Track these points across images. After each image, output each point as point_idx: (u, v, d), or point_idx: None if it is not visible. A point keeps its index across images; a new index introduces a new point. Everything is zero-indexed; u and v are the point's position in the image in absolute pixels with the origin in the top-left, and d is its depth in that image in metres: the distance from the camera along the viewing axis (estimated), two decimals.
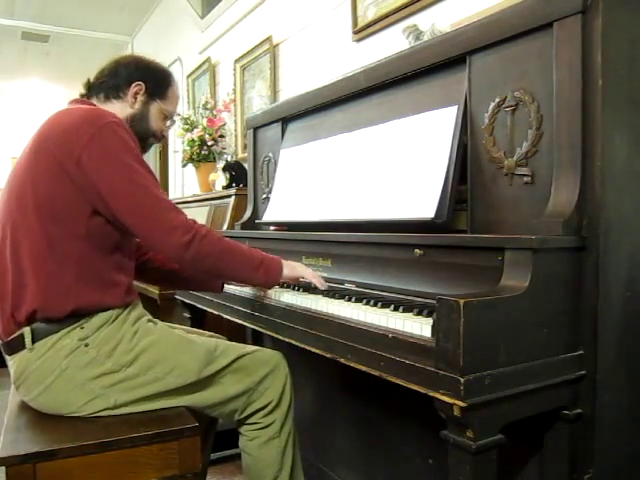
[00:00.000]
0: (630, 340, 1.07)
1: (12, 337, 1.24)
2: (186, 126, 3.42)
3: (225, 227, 2.49)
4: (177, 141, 3.89)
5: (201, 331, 1.60)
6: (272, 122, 2.04)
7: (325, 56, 2.70)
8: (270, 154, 2.05)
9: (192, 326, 1.92)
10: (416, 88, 1.42)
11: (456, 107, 1.27)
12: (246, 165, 2.36)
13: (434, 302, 0.91)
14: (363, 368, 1.06)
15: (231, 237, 2.01)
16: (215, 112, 3.40)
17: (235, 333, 1.97)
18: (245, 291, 1.57)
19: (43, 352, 1.22)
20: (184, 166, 3.57)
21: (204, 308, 1.85)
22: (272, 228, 1.96)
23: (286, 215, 1.80)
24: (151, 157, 5.75)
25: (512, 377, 0.91)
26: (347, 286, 1.41)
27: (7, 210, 1.27)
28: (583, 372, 1.01)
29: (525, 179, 1.13)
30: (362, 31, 2.38)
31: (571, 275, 1.01)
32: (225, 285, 1.63)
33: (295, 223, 1.75)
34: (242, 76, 3.54)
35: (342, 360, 1.12)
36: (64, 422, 1.21)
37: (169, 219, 1.24)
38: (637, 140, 1.06)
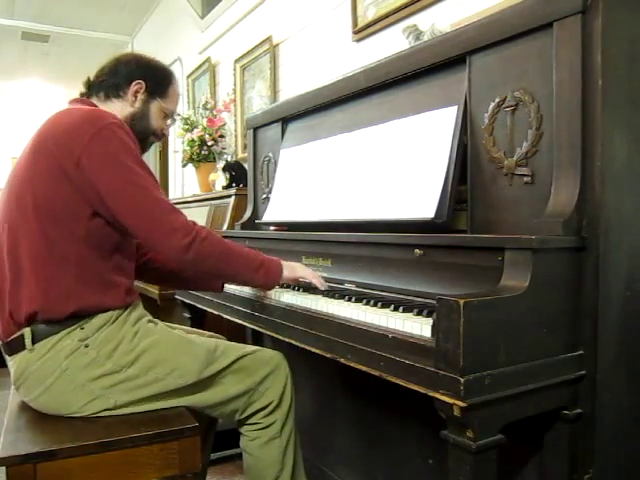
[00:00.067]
0: (630, 340, 1.07)
1: (12, 338, 1.24)
2: (186, 126, 3.42)
3: (225, 227, 2.49)
4: (177, 141, 3.89)
5: (201, 331, 1.60)
6: (272, 122, 2.04)
7: (325, 56, 2.70)
8: (270, 154, 2.05)
9: (192, 326, 1.92)
10: (416, 88, 1.42)
11: (456, 107, 1.27)
12: (246, 165, 2.36)
13: (434, 302, 0.91)
14: (363, 368, 1.06)
15: (231, 237, 2.02)
16: (215, 112, 3.40)
17: (235, 333, 1.97)
18: (245, 291, 1.57)
19: (43, 353, 1.22)
20: (184, 166, 3.57)
21: (204, 308, 1.85)
22: (272, 228, 1.96)
23: (286, 215, 1.80)
24: (151, 157, 5.75)
25: (512, 377, 0.91)
26: (347, 286, 1.41)
27: (7, 210, 1.27)
28: (583, 372, 1.01)
29: (525, 179, 1.13)
30: (362, 31, 2.38)
31: (571, 275, 1.01)
32: (225, 285, 1.63)
33: (295, 223, 1.75)
34: (242, 76, 3.54)
35: (342, 360, 1.12)
36: (64, 422, 1.21)
37: (170, 221, 1.24)
38: (637, 140, 1.06)
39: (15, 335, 1.23)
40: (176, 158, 4.49)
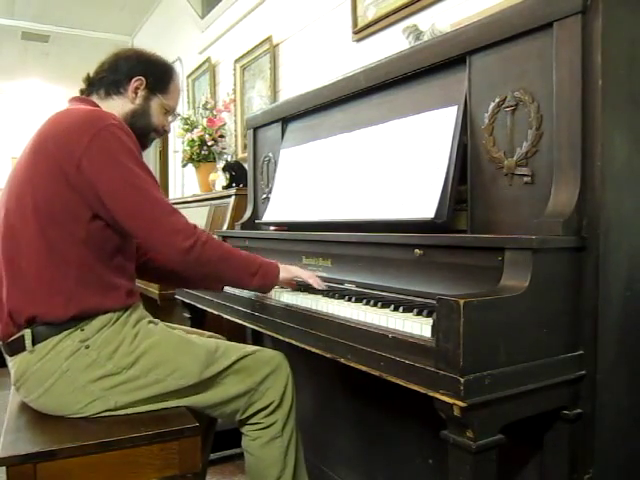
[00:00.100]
0: (630, 340, 1.07)
1: (12, 338, 1.24)
2: (186, 126, 3.42)
3: (225, 227, 2.49)
4: (177, 141, 3.89)
5: (201, 331, 1.60)
6: (272, 122, 2.04)
7: (325, 56, 2.70)
8: (270, 154, 2.05)
9: (192, 326, 1.92)
10: (416, 88, 1.42)
11: (456, 107, 1.27)
12: (246, 165, 2.36)
13: (434, 302, 0.91)
14: (363, 368, 1.06)
15: (231, 237, 2.02)
16: (215, 112, 3.40)
17: (235, 333, 1.97)
18: (245, 291, 1.57)
19: (43, 354, 1.21)
20: (184, 166, 3.57)
21: (204, 308, 1.85)
22: (272, 228, 1.96)
23: (286, 215, 1.80)
24: (151, 157, 5.75)
25: (512, 377, 0.91)
26: (347, 286, 1.41)
27: (7, 210, 1.27)
28: (583, 372, 1.01)
29: (525, 179, 1.13)
30: (362, 31, 2.38)
31: (571, 275, 1.01)
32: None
33: (295, 223, 1.75)
34: (242, 76, 3.54)
35: (342, 360, 1.12)
36: (64, 422, 1.21)
37: (171, 222, 1.23)
38: (637, 140, 1.06)
39: (15, 336, 1.23)
40: (176, 158, 4.49)
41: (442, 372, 0.88)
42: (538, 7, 1.08)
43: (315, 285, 1.38)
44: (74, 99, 1.41)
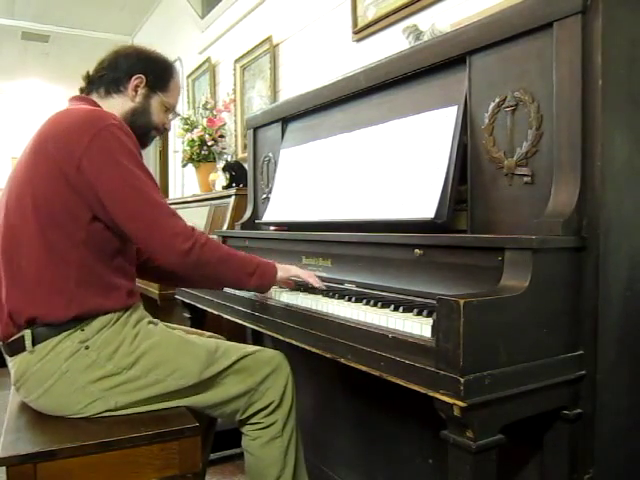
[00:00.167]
0: (630, 340, 1.07)
1: (12, 339, 1.24)
2: (186, 126, 3.42)
3: (225, 227, 2.49)
4: (177, 141, 3.90)
5: (200, 331, 1.60)
6: (272, 122, 2.04)
7: (325, 56, 2.70)
8: (270, 154, 2.05)
9: (192, 326, 1.92)
10: (416, 88, 1.42)
11: (456, 107, 1.27)
12: (246, 165, 2.36)
13: (434, 302, 0.91)
14: (363, 368, 1.06)
15: (231, 237, 2.02)
16: (215, 112, 3.41)
17: (235, 333, 1.97)
18: (245, 291, 1.57)
19: (43, 355, 1.21)
20: (184, 166, 3.57)
21: (204, 308, 1.85)
22: (272, 228, 1.96)
23: (286, 215, 1.80)
24: (151, 157, 5.75)
25: (512, 377, 0.91)
26: (347, 286, 1.41)
27: (7, 211, 1.27)
28: (583, 372, 1.01)
29: (525, 179, 1.13)
30: (362, 31, 2.38)
31: (571, 275, 1.01)
32: None
33: (295, 223, 1.75)
34: (242, 76, 3.54)
35: (342, 360, 1.12)
36: (64, 422, 1.21)
37: (170, 225, 1.22)
38: (637, 140, 1.06)
39: (15, 336, 1.23)
40: (176, 158, 4.49)
41: (442, 372, 0.88)
42: (538, 7, 1.08)
43: (314, 284, 1.38)
44: (74, 98, 1.41)
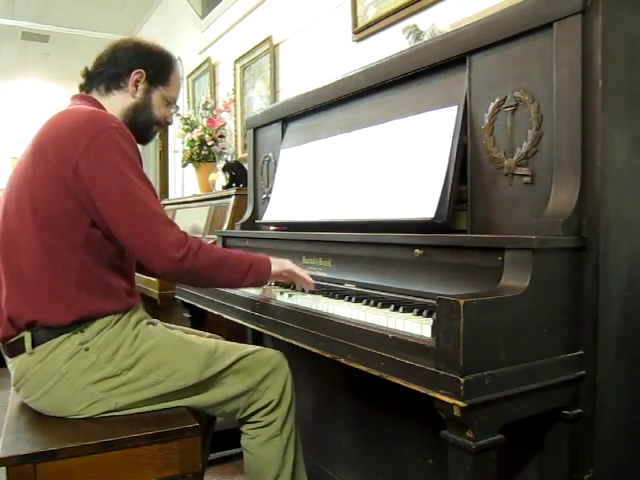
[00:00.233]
0: (630, 340, 1.07)
1: (12, 340, 1.23)
2: (186, 126, 3.42)
3: (225, 227, 2.49)
4: (177, 141, 3.89)
5: (200, 332, 1.59)
6: (272, 122, 2.04)
7: (325, 56, 2.70)
8: (270, 154, 2.05)
9: (192, 326, 1.92)
10: (416, 88, 1.42)
11: (456, 107, 1.27)
12: (246, 165, 2.36)
13: (434, 302, 0.91)
14: (363, 368, 1.06)
15: (231, 237, 2.03)
16: (215, 112, 3.41)
17: (235, 333, 1.97)
18: (245, 291, 1.57)
19: (43, 356, 1.21)
20: (184, 166, 3.57)
21: (204, 308, 1.85)
22: (272, 228, 1.96)
23: (286, 215, 1.80)
24: (151, 157, 5.75)
25: (512, 377, 0.91)
26: (347, 286, 1.41)
27: (6, 212, 1.26)
28: (583, 372, 1.01)
29: (525, 179, 1.13)
30: (362, 31, 2.38)
31: (571, 275, 1.01)
32: None
33: (295, 223, 1.75)
34: (242, 76, 3.54)
35: (342, 360, 1.12)
36: (65, 422, 1.21)
37: (164, 233, 1.20)
38: (637, 140, 1.06)
39: (15, 338, 1.23)
40: (176, 158, 4.49)
41: (442, 372, 0.88)
42: (538, 7, 1.08)
43: (306, 278, 1.38)
44: (75, 97, 1.39)
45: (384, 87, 1.51)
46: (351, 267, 1.42)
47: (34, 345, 1.21)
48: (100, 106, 1.35)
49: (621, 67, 1.04)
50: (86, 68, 1.40)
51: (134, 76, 1.36)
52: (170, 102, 1.44)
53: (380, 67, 1.50)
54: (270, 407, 1.36)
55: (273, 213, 1.88)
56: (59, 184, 1.19)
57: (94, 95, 1.38)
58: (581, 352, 1.02)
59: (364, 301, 1.20)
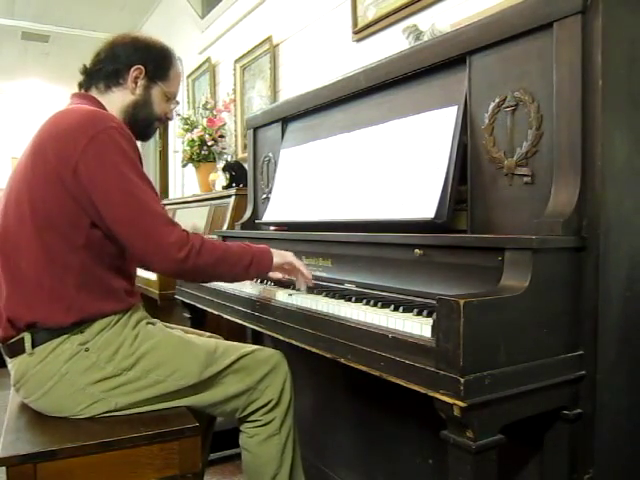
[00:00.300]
0: (630, 340, 1.07)
1: (12, 341, 1.23)
2: (186, 126, 3.42)
3: (225, 227, 2.49)
4: (177, 141, 3.89)
5: (199, 331, 1.59)
6: (272, 122, 2.04)
7: (325, 56, 2.70)
8: (270, 154, 2.05)
9: (192, 326, 1.92)
10: (416, 88, 1.42)
11: (456, 107, 1.27)
12: (246, 165, 2.36)
13: (434, 302, 0.91)
14: (363, 368, 1.06)
15: (231, 237, 2.02)
16: (215, 112, 3.40)
17: (235, 333, 1.97)
18: (245, 291, 1.58)
19: (43, 357, 1.21)
20: (184, 166, 3.57)
21: (204, 308, 1.85)
22: (272, 228, 1.96)
23: (286, 215, 1.80)
24: (151, 157, 5.75)
25: (512, 377, 0.91)
26: (347, 286, 1.41)
27: (5, 213, 1.26)
28: (583, 372, 1.01)
29: (525, 179, 1.13)
30: (362, 31, 2.38)
31: (571, 275, 1.01)
32: (225, 284, 1.63)
33: (295, 223, 1.75)
34: (242, 76, 3.54)
35: (342, 360, 1.12)
36: (65, 422, 1.21)
37: (166, 233, 1.19)
38: (637, 140, 1.06)
39: (15, 338, 1.23)
40: (176, 158, 4.49)
41: (442, 372, 0.88)
42: (538, 7, 1.08)
43: (305, 273, 1.39)
44: (75, 95, 1.38)
45: (384, 87, 1.51)
46: (351, 267, 1.42)
47: (34, 346, 1.21)
48: (100, 104, 1.35)
49: (621, 67, 1.04)
50: (84, 66, 1.39)
51: (133, 72, 1.35)
52: (170, 97, 1.43)
53: (380, 67, 1.50)
54: (269, 406, 1.36)
55: (273, 213, 1.88)
56: (58, 185, 1.18)
57: (93, 93, 1.38)
58: (581, 352, 1.02)
59: (364, 301, 1.20)
